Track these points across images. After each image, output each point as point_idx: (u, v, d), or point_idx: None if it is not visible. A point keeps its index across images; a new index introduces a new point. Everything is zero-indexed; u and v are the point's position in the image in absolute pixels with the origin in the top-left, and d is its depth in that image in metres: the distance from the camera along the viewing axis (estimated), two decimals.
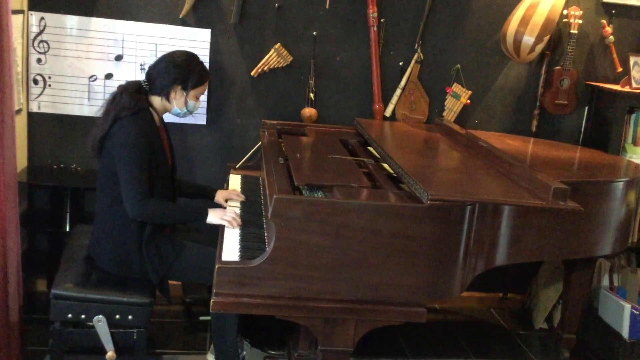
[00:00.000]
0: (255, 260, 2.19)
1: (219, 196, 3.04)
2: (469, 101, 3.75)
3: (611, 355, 3.48)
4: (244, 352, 3.04)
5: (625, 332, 3.40)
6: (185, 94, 2.77)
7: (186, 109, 2.81)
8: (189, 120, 3.50)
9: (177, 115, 2.84)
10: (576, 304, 3.47)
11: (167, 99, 2.76)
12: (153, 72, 2.77)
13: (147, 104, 2.73)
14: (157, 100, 2.77)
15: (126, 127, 2.60)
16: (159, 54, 3.45)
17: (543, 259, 3.65)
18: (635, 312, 3.37)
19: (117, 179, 2.60)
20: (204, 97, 3.53)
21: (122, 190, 2.57)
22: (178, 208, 2.71)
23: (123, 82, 3.40)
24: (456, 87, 3.75)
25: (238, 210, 2.84)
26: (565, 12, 3.64)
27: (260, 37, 3.54)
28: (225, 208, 2.92)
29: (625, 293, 3.55)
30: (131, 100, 2.64)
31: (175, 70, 2.73)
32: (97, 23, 3.40)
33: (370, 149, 3.24)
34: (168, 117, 3.46)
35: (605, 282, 3.67)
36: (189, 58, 2.79)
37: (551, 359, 3.54)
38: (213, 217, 2.66)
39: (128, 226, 2.64)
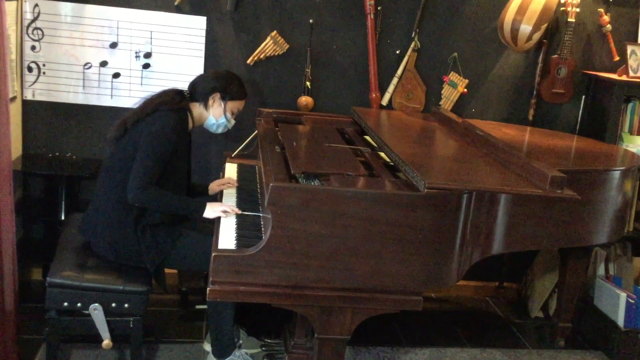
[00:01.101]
0: (252, 249, 2.18)
1: (214, 188, 3.08)
2: (465, 90, 3.74)
3: (606, 343, 3.49)
4: (240, 341, 3.04)
5: (620, 321, 3.41)
6: (223, 104, 2.86)
7: (222, 120, 2.89)
8: None
9: (211, 127, 2.93)
10: (572, 292, 3.48)
11: (205, 106, 2.85)
12: (195, 81, 2.90)
13: (187, 107, 2.81)
14: (196, 108, 2.86)
15: (164, 118, 2.67)
16: (154, 42, 3.45)
17: (539, 248, 3.67)
18: (630, 301, 3.38)
19: (128, 164, 2.62)
20: None
21: (132, 173, 2.59)
22: (176, 200, 2.70)
23: (118, 70, 3.41)
24: (453, 76, 3.73)
25: (234, 202, 2.84)
26: (562, 0, 3.62)
27: (256, 25, 3.52)
28: (222, 196, 2.93)
29: (620, 282, 3.56)
30: (173, 99, 2.75)
31: (216, 79, 2.87)
32: (92, 10, 3.38)
33: (367, 137, 3.23)
34: None
35: (601, 271, 3.68)
36: (229, 72, 2.97)
37: (547, 348, 3.55)
38: (210, 211, 2.66)
39: (127, 213, 2.64)
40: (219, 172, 3.38)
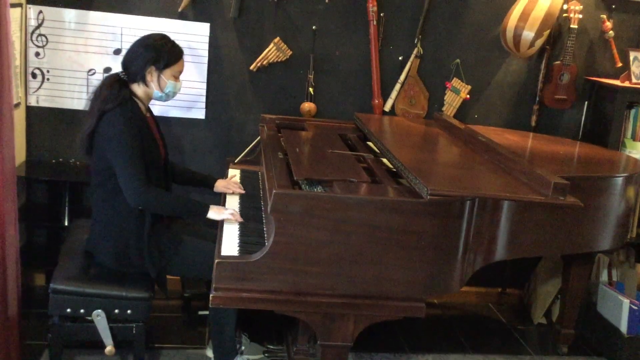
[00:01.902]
0: (255, 255, 2.19)
1: (219, 185, 3.04)
2: (468, 96, 3.74)
3: (609, 350, 3.48)
4: (243, 347, 3.04)
5: (623, 327, 3.40)
6: (161, 74, 2.70)
7: (168, 89, 2.74)
8: (187, 114, 3.51)
9: (160, 99, 2.78)
10: (575, 299, 3.48)
11: (145, 83, 2.70)
12: (126, 60, 2.71)
13: (129, 94, 2.68)
14: (137, 89, 2.71)
15: (113, 119, 2.57)
16: None
17: (542, 254, 3.67)
18: (633, 307, 3.38)
19: (110, 173, 2.59)
20: (202, 92, 3.53)
21: (121, 181, 2.55)
22: (180, 200, 2.70)
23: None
24: (456, 82, 3.74)
25: (237, 208, 2.84)
26: (565, 6, 3.63)
27: (259, 31, 3.53)
28: (225, 201, 2.94)
29: (623, 288, 3.56)
30: (112, 92, 2.61)
31: (146, 51, 2.67)
32: (96, 16, 3.39)
33: (370, 143, 3.23)
34: (165, 111, 3.46)
35: (604, 277, 3.68)
36: (158, 38, 2.73)
37: (550, 354, 3.54)
38: (214, 213, 2.65)
39: (126, 221, 2.63)
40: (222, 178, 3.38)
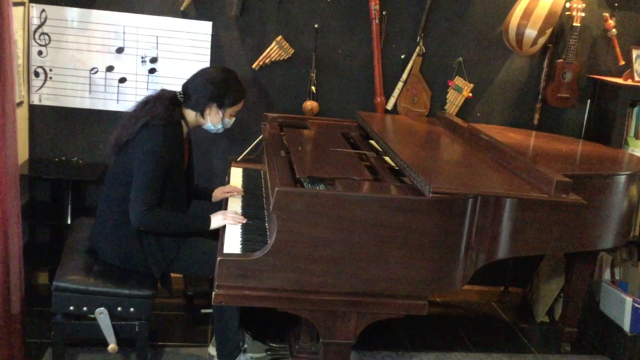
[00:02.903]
0: (257, 253, 2.19)
1: (217, 195, 3.06)
2: (471, 94, 3.74)
3: (612, 348, 3.48)
4: (246, 345, 3.04)
5: (626, 326, 3.40)
6: (221, 112, 2.78)
7: (220, 127, 2.83)
8: None
9: (209, 130, 2.86)
10: (577, 297, 3.47)
11: (202, 115, 2.77)
12: (190, 86, 2.76)
13: (179, 117, 2.72)
14: (190, 114, 2.77)
15: (154, 135, 2.58)
16: (160, 47, 3.46)
17: (544, 253, 3.66)
18: (636, 305, 3.37)
19: (129, 179, 2.61)
20: None
21: (132, 195, 2.57)
22: (181, 219, 2.69)
23: (125, 75, 3.39)
24: (458, 80, 3.74)
25: (239, 209, 2.84)
26: (567, 4, 3.62)
27: (261, 30, 3.53)
28: (227, 203, 2.94)
29: (626, 287, 3.55)
30: (165, 111, 2.63)
31: (213, 88, 2.73)
32: (98, 15, 3.40)
33: (372, 142, 3.23)
34: None
35: (607, 275, 3.67)
36: (227, 76, 2.79)
37: (552, 353, 3.54)
38: (215, 221, 2.65)
39: (129, 223, 2.63)
40: (224, 177, 3.38)
